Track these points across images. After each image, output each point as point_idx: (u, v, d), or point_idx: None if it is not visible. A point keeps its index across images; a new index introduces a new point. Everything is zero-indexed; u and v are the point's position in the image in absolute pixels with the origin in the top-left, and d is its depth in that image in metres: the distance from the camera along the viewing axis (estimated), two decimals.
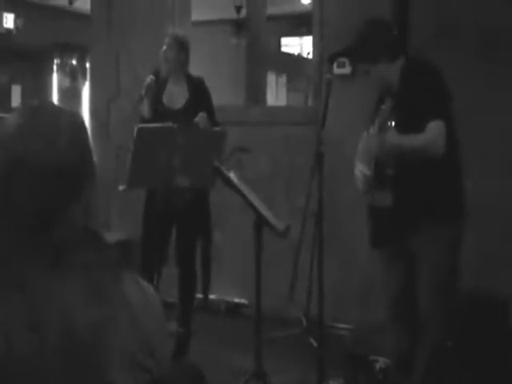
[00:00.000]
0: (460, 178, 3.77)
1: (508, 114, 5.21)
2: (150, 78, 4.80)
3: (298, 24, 12.79)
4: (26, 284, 1.33)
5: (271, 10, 8.14)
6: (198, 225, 4.98)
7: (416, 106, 3.51)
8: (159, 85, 4.89)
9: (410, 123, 3.52)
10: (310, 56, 8.54)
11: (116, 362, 1.35)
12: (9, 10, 11.28)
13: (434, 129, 3.51)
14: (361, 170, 3.81)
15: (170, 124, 4.44)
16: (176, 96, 4.96)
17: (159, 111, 4.82)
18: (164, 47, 4.91)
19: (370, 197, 3.84)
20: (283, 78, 13.53)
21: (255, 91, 7.76)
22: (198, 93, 4.98)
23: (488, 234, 5.14)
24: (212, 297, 6.33)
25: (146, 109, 4.81)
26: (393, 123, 3.39)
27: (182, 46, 4.94)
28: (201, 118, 4.75)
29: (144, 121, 4.76)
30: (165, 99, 4.93)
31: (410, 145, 3.55)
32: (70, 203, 1.39)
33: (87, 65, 11.22)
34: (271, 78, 11.99)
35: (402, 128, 3.53)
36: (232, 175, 3.40)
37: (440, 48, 5.27)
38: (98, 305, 1.36)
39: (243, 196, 3.37)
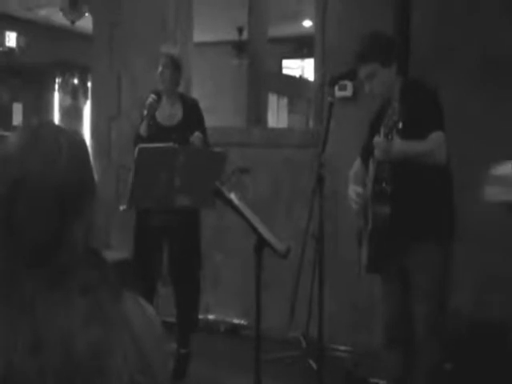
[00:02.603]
0: (452, 192, 3.85)
1: (507, 134, 5.21)
2: (151, 98, 4.81)
3: (300, 46, 12.86)
4: (27, 305, 1.32)
5: (273, 32, 8.18)
6: (188, 243, 4.96)
7: (417, 121, 3.58)
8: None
9: (412, 137, 3.58)
10: (312, 78, 8.57)
11: (115, 383, 1.34)
12: (11, 29, 11.32)
13: (437, 137, 3.65)
14: (354, 188, 3.90)
15: (171, 144, 4.45)
16: (170, 114, 4.97)
17: (153, 128, 4.82)
18: (160, 68, 4.92)
19: (361, 219, 3.90)
20: (284, 100, 13.56)
21: (256, 113, 7.78)
22: (192, 112, 5.00)
23: (490, 255, 5.13)
24: (211, 317, 6.33)
25: (143, 127, 4.82)
26: (400, 124, 3.44)
27: (176, 66, 4.95)
28: (196, 137, 4.75)
29: (140, 138, 4.77)
30: (158, 117, 4.93)
31: (416, 150, 3.65)
32: (71, 223, 1.38)
33: (88, 84, 11.25)
34: (272, 99, 12.02)
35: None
36: (233, 196, 3.39)
37: (440, 69, 5.30)
38: (98, 325, 1.35)
39: (244, 217, 3.36)
